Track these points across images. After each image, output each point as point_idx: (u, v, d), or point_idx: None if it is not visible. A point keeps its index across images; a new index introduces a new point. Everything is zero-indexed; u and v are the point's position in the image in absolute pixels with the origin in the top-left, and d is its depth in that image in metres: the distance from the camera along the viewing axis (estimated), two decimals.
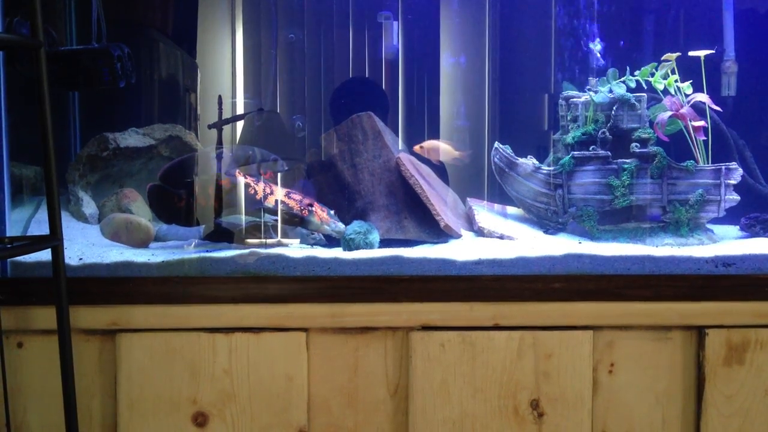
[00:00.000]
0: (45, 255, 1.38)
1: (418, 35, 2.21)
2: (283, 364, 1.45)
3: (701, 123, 1.77)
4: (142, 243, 1.67)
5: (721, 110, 1.85)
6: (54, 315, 1.33)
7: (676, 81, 1.82)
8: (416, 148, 2.01)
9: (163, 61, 2.11)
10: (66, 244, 1.44)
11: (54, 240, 1.31)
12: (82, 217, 1.78)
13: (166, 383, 1.44)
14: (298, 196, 1.72)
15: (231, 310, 1.45)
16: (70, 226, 1.74)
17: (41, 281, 1.41)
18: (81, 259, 1.49)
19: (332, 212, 1.75)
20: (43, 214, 1.44)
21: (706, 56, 1.82)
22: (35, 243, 1.32)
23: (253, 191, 1.67)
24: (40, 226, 1.64)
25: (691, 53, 1.81)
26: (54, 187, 1.30)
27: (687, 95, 1.82)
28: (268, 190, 1.71)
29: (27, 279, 1.45)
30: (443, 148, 2.02)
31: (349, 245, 1.63)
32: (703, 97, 1.79)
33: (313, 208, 1.70)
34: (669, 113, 1.78)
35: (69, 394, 1.35)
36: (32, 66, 1.27)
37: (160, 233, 1.76)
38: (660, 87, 1.82)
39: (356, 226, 1.67)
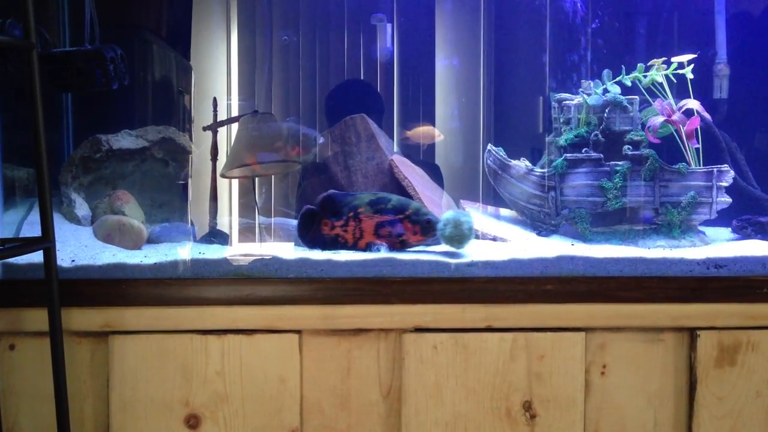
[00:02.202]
0: (37, 257, 1.38)
1: (412, 38, 2.21)
2: (275, 366, 1.45)
3: (694, 123, 1.77)
4: (135, 245, 1.67)
5: (710, 119, 1.85)
6: (46, 317, 1.33)
7: (676, 69, 1.82)
8: (408, 133, 2.02)
9: (157, 62, 2.11)
10: (58, 245, 1.44)
11: (46, 242, 1.31)
12: (74, 219, 1.78)
13: (158, 385, 1.44)
14: (386, 230, 1.64)
15: (224, 311, 1.45)
16: (62, 227, 1.73)
17: (33, 283, 1.41)
18: (73, 260, 1.48)
19: (426, 217, 1.65)
20: (35, 216, 1.43)
21: (698, 59, 1.83)
22: (27, 245, 1.31)
23: (343, 241, 1.65)
24: (32, 228, 1.63)
25: (674, 59, 1.82)
26: (46, 188, 1.30)
27: (680, 104, 1.82)
28: (357, 234, 1.65)
29: (19, 281, 1.44)
30: (426, 131, 2.05)
31: (451, 242, 1.58)
32: (694, 103, 1.79)
33: (405, 236, 1.63)
34: (661, 118, 1.78)
35: (61, 396, 1.34)
36: (25, 67, 1.27)
37: (153, 235, 1.75)
38: (659, 80, 1.82)
39: (442, 222, 1.59)
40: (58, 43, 1.88)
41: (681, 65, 1.82)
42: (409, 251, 1.61)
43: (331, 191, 1.67)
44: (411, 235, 1.62)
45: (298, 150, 1.70)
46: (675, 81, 1.83)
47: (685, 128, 1.78)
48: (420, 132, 2.09)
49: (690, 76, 1.79)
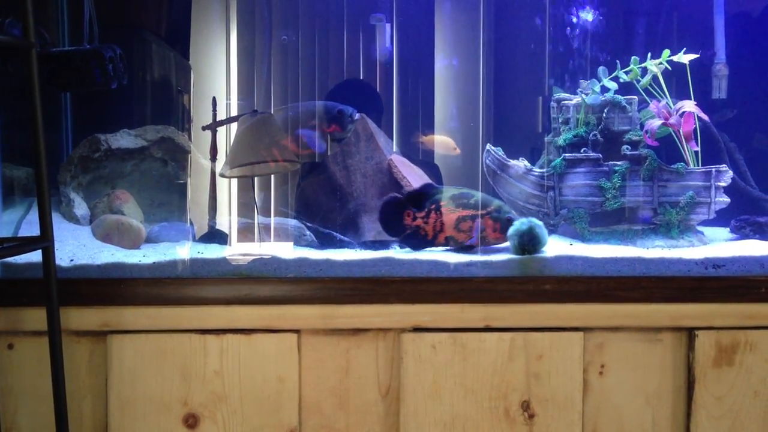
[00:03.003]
0: (36, 256, 1.38)
1: (412, 37, 2.21)
2: (274, 366, 1.45)
3: (690, 124, 1.77)
4: (134, 244, 1.67)
5: (708, 119, 1.85)
6: (45, 316, 1.33)
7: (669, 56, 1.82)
8: (424, 139, 2.01)
9: (156, 62, 2.11)
10: (57, 245, 1.44)
11: (45, 241, 1.31)
12: (73, 219, 1.78)
13: (157, 385, 1.44)
14: (467, 225, 1.65)
15: (222, 311, 1.45)
16: (61, 227, 1.73)
17: (32, 282, 1.41)
18: (72, 260, 1.48)
19: (507, 215, 1.64)
20: (34, 216, 1.43)
21: (698, 59, 1.83)
22: (26, 244, 1.31)
23: (423, 233, 1.65)
24: (31, 228, 1.63)
25: (674, 58, 1.82)
26: (45, 188, 1.30)
27: (676, 106, 1.82)
28: (437, 227, 1.67)
29: (18, 280, 1.44)
30: (444, 141, 2.05)
31: (517, 250, 1.58)
32: (690, 105, 1.79)
33: (485, 232, 1.64)
34: (659, 122, 1.78)
35: (59, 395, 1.35)
36: (24, 67, 1.27)
37: (152, 234, 1.75)
38: (655, 70, 1.82)
39: (511, 229, 1.59)
40: (57, 43, 1.88)
41: (683, 70, 1.81)
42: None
43: (425, 183, 1.71)
44: (491, 232, 1.63)
45: (334, 127, 1.69)
46: (671, 70, 1.82)
47: (681, 131, 1.78)
48: (436, 141, 2.08)
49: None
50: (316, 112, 1.68)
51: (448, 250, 1.65)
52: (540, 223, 1.59)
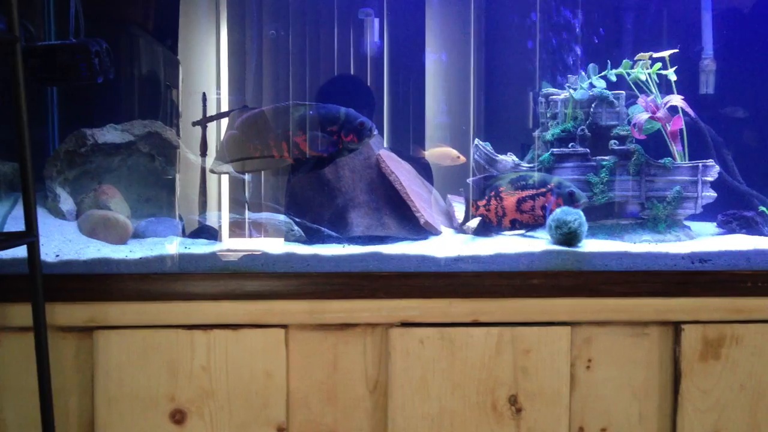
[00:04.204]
0: (21, 251, 1.37)
1: (402, 32, 2.21)
2: (262, 361, 1.45)
3: (678, 124, 1.78)
4: (121, 239, 1.66)
5: (695, 114, 1.86)
6: (30, 312, 1.32)
7: (660, 69, 1.83)
8: (424, 153, 2.03)
9: (143, 57, 2.10)
10: (43, 240, 1.43)
11: (30, 236, 1.30)
12: (59, 214, 1.76)
13: (143, 380, 1.43)
14: (528, 204, 1.68)
15: (210, 306, 1.45)
16: (47, 222, 1.72)
17: (17, 278, 1.40)
18: (58, 255, 1.48)
19: (568, 189, 1.67)
20: (19, 211, 1.42)
21: (684, 55, 1.83)
22: (10, 239, 1.31)
23: (488, 221, 1.68)
24: (16, 223, 1.62)
25: (655, 54, 1.83)
26: (30, 183, 1.29)
27: (663, 100, 1.83)
28: (500, 212, 1.70)
29: (2, 276, 1.43)
30: (445, 152, 2.05)
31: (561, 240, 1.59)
32: (677, 100, 1.80)
33: (548, 213, 1.65)
34: (646, 115, 1.79)
35: (45, 391, 1.34)
36: (8, 61, 1.26)
37: (139, 230, 1.74)
38: (643, 77, 1.83)
39: (551, 220, 1.60)
40: (42, 37, 1.87)
41: (665, 65, 1.82)
42: (394, 245, 1.61)
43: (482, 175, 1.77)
44: (555, 207, 1.65)
45: (352, 137, 1.69)
46: (657, 81, 1.84)
47: (668, 130, 1.79)
48: (437, 154, 2.08)
49: (673, 78, 1.80)
50: (338, 119, 1.69)
51: (522, 235, 1.70)
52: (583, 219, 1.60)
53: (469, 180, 1.80)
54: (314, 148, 1.67)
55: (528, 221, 1.67)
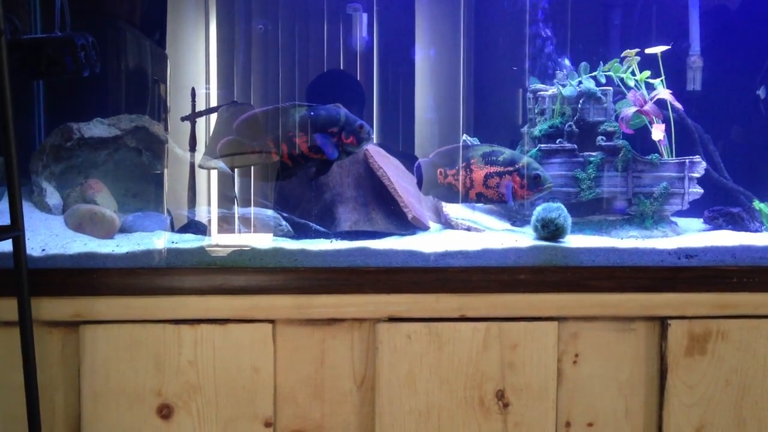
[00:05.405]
0: (6, 246, 1.36)
1: (390, 27, 2.21)
2: (249, 356, 1.44)
3: (660, 128, 1.79)
4: (107, 234, 1.65)
5: (682, 108, 1.87)
6: (16, 306, 1.31)
7: (648, 77, 1.84)
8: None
9: (130, 51, 2.09)
10: (29, 234, 1.42)
11: (15, 230, 1.30)
12: (45, 208, 1.75)
13: (130, 375, 1.43)
14: (494, 181, 1.70)
15: (197, 301, 1.44)
16: (33, 216, 1.71)
17: (2, 272, 1.39)
18: (44, 250, 1.47)
19: (534, 172, 1.68)
20: (4, 205, 1.41)
21: (671, 51, 1.84)
22: None
23: (456, 190, 1.69)
24: (2, 217, 1.61)
25: (648, 50, 1.84)
26: (15, 177, 1.28)
27: (651, 93, 1.84)
28: (468, 184, 1.72)
29: None
30: None
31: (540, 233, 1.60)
32: (665, 94, 1.81)
33: (513, 188, 1.68)
34: (633, 109, 1.80)
35: (31, 386, 1.33)
36: None
37: (126, 224, 1.74)
38: (631, 83, 1.84)
39: (535, 220, 1.62)
40: (27, 30, 1.85)
41: (656, 61, 1.83)
42: (382, 240, 1.61)
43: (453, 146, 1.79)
44: (518, 189, 1.67)
45: (352, 140, 1.69)
46: (645, 79, 1.85)
47: (651, 129, 1.80)
48: None
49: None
50: (338, 121, 1.69)
51: (476, 230, 1.72)
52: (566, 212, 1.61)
53: (443, 149, 1.82)
54: (324, 150, 1.67)
55: (492, 197, 1.71)
